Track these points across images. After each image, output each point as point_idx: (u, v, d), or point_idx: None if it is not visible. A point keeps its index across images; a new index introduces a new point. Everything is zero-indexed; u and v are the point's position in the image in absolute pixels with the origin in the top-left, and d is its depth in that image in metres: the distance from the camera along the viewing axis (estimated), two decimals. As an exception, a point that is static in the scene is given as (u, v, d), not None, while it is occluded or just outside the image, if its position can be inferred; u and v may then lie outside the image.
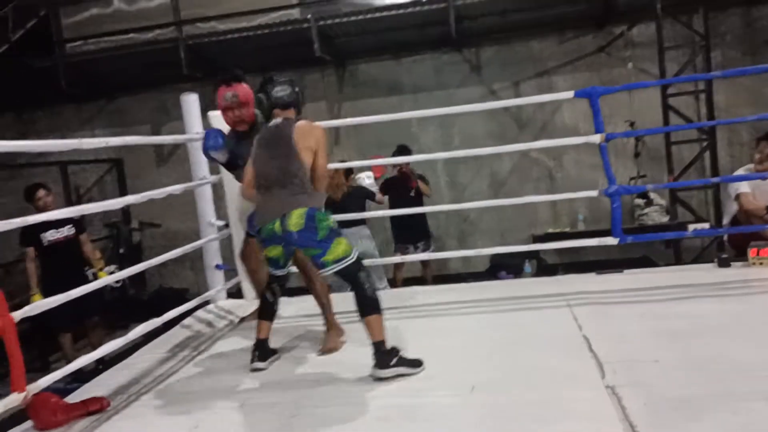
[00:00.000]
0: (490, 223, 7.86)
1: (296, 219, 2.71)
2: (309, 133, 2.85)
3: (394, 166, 5.86)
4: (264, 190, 2.86)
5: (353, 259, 2.73)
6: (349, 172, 5.67)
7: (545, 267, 7.24)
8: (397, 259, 5.42)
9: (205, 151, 3.33)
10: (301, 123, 2.89)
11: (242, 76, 3.31)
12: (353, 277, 2.72)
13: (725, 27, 7.30)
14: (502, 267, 7.24)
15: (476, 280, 7.08)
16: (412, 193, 5.93)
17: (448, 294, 3.90)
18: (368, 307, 2.66)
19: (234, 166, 3.36)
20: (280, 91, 2.94)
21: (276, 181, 2.80)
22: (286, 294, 3.22)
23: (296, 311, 3.79)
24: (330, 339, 3.12)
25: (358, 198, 5.54)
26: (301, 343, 3.23)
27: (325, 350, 3.06)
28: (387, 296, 4.22)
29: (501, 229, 7.87)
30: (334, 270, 2.72)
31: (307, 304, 3.61)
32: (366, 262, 4.83)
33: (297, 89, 3.00)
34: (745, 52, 7.30)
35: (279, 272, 2.96)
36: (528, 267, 7.11)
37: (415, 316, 3.52)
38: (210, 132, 3.33)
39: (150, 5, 8.18)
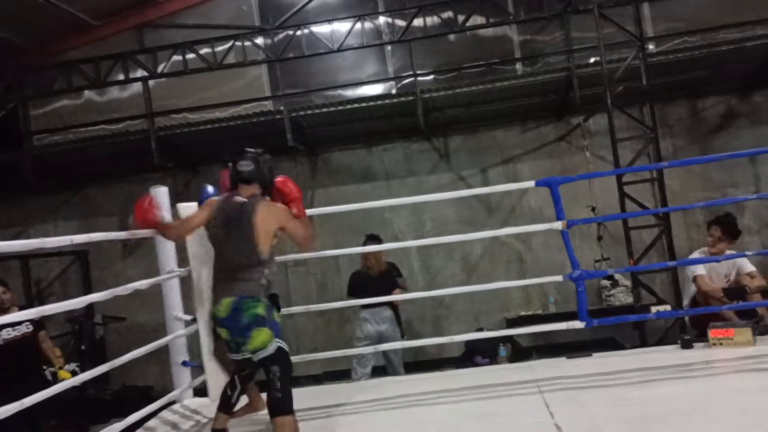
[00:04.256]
0: (464, 306, 7.90)
1: (224, 307, 2.79)
2: (270, 215, 2.88)
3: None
4: (216, 266, 2.94)
5: (270, 352, 2.75)
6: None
7: (520, 350, 7.27)
8: (385, 346, 5.33)
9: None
10: (263, 205, 2.91)
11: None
12: (266, 370, 2.75)
13: (673, 118, 7.88)
14: (478, 351, 7.23)
15: (452, 365, 7.06)
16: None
17: (422, 384, 3.86)
18: (276, 408, 2.68)
19: None
20: (244, 165, 2.95)
21: (228, 261, 2.87)
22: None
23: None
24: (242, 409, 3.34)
25: (390, 278, 5.64)
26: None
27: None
28: (361, 387, 4.22)
29: (475, 311, 7.93)
30: (255, 359, 2.77)
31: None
32: (384, 345, 4.83)
33: (264, 165, 2.99)
34: (692, 140, 7.86)
35: (234, 356, 2.97)
36: (503, 351, 7.12)
37: (388, 408, 3.45)
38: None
39: (121, 96, 8.28)
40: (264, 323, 2.78)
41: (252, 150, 3.03)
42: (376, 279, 5.50)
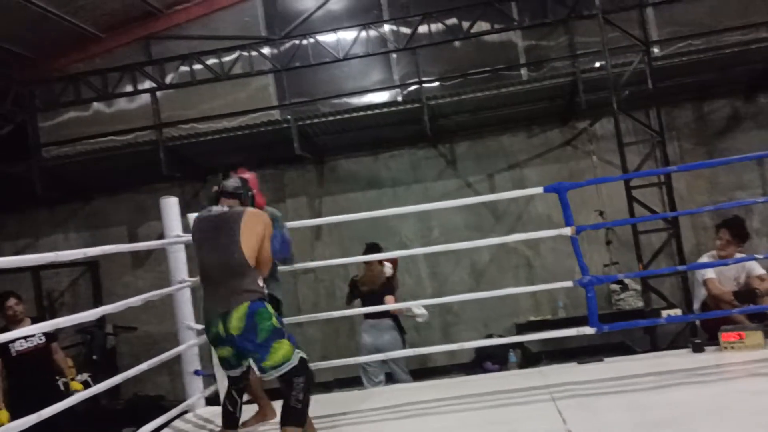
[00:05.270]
0: (473, 312, 7.88)
1: (236, 322, 2.67)
2: (258, 220, 2.87)
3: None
4: (207, 282, 2.83)
5: (293, 364, 2.68)
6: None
7: (530, 356, 7.25)
8: (396, 354, 5.27)
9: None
10: (250, 209, 2.92)
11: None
12: (288, 381, 2.68)
13: (680, 121, 7.87)
14: (488, 357, 7.23)
15: (462, 372, 7.04)
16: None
17: (432, 391, 3.84)
18: (290, 417, 2.63)
19: None
20: (231, 182, 3.07)
21: (219, 272, 2.77)
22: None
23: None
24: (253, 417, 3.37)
25: (390, 288, 5.51)
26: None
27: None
28: (370, 395, 4.20)
29: (484, 318, 7.91)
30: (273, 376, 2.69)
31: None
32: (392, 354, 4.80)
33: (246, 189, 3.09)
34: (698, 143, 7.85)
35: (233, 372, 2.91)
36: (513, 356, 7.11)
37: (397, 416, 3.43)
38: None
39: (129, 107, 8.34)
40: (282, 334, 2.72)
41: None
42: (379, 293, 5.30)
